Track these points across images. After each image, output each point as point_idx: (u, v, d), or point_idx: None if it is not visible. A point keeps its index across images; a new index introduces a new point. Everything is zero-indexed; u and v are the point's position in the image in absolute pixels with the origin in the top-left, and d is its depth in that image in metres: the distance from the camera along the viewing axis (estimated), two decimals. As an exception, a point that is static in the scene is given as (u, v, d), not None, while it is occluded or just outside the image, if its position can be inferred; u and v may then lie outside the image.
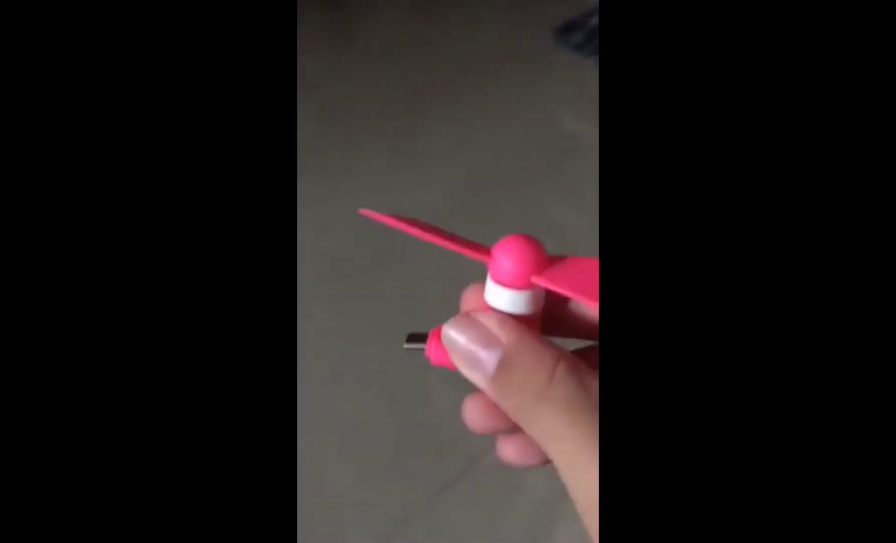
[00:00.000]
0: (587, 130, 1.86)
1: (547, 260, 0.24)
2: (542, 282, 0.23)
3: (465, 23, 2.47)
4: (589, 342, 0.27)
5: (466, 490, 0.99)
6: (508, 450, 0.25)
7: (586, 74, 2.10)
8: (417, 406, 1.11)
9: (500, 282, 0.24)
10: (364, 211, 0.23)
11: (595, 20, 2.38)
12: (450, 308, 1.10)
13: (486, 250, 0.24)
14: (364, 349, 1.22)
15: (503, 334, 0.22)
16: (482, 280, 0.27)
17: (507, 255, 0.24)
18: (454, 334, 0.24)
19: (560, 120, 1.93)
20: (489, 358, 0.22)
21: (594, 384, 0.21)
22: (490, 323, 0.23)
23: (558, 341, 0.26)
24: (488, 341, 0.22)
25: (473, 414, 0.24)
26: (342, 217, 1.56)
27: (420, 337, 0.25)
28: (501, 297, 0.23)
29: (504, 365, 0.22)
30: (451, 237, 0.24)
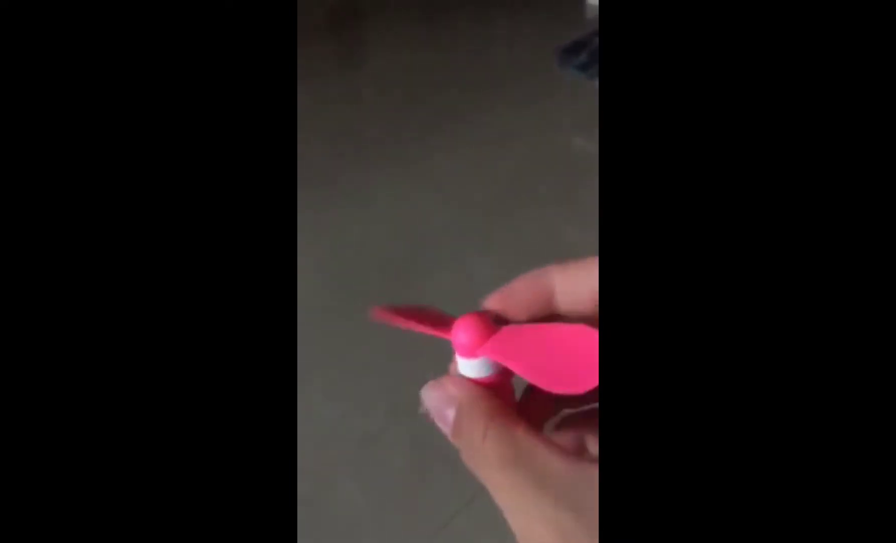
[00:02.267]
0: (593, 149, 1.87)
1: (494, 330, 0.28)
2: (487, 354, 0.27)
3: (471, 46, 2.50)
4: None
5: (485, 507, 0.99)
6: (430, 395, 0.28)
7: (591, 95, 2.12)
8: (431, 425, 1.11)
9: (458, 353, 0.28)
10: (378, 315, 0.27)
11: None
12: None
13: (448, 329, 0.28)
14: (376, 370, 1.22)
15: (458, 393, 0.27)
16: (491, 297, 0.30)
17: (457, 332, 0.28)
18: (425, 395, 0.29)
19: (567, 140, 1.95)
20: (450, 415, 0.27)
21: (523, 439, 0.24)
22: (450, 385, 0.27)
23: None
24: (449, 400, 0.27)
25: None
26: (354, 239, 1.57)
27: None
28: (460, 365, 0.28)
29: (455, 422, 0.27)
30: (422, 317, 0.27)
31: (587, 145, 1.91)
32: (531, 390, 0.29)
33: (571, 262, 0.28)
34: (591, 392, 0.26)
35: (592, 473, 0.21)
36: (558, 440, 0.24)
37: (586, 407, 0.28)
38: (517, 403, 0.29)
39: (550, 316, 0.28)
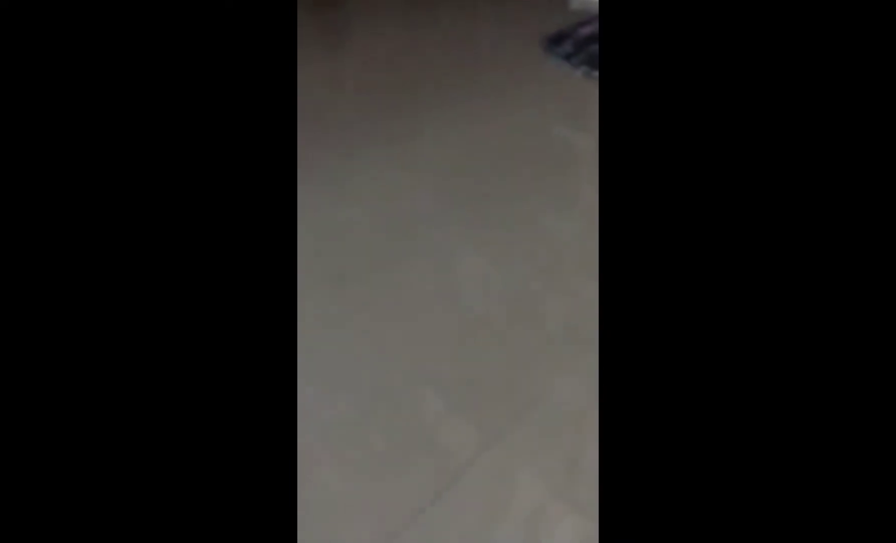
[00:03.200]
0: (576, 138, 1.88)
1: None
2: None
3: (456, 33, 2.49)
4: None
5: (463, 493, 1.00)
6: None
7: (573, 84, 2.13)
8: (410, 412, 1.12)
9: None
10: None
11: (584, 31, 2.41)
12: (442, 312, 1.10)
13: None
14: (357, 355, 1.22)
15: None
16: None
17: None
18: None
19: (550, 128, 1.95)
20: None
21: None
22: None
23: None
24: None
25: None
26: (338, 223, 1.56)
27: None
28: None
29: None
30: None
31: (568, 134, 1.92)
32: None
33: None
34: None
35: None
36: None
37: None
38: None
39: None
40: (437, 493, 1.00)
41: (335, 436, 1.09)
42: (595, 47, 2.29)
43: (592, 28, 2.42)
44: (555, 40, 2.37)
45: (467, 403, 1.13)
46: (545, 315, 1.32)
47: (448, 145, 1.85)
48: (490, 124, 1.95)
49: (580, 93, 2.09)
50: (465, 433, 1.09)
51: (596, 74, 2.19)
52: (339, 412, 1.13)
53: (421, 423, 1.10)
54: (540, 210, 1.61)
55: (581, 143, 1.86)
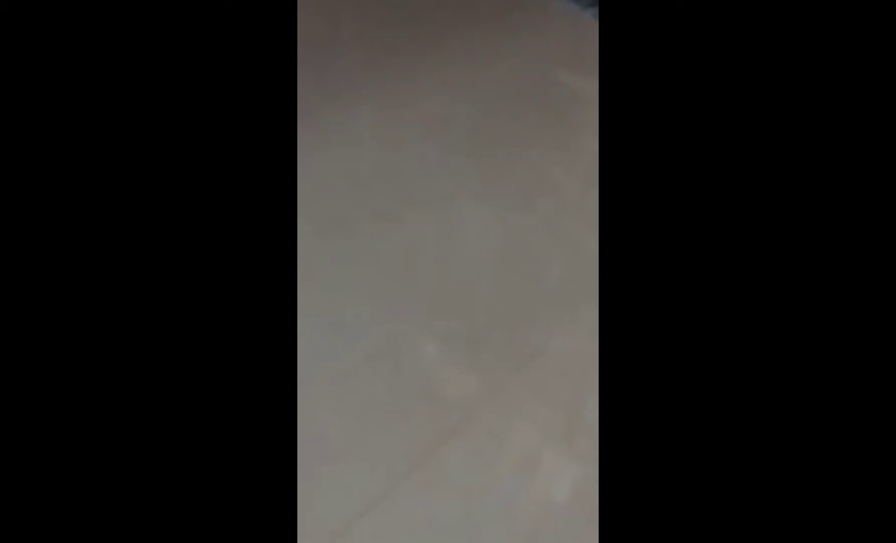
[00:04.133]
0: (581, 85, 1.84)
1: None
2: None
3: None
4: None
5: (461, 443, 1.01)
6: None
7: (583, 26, 2.07)
8: (410, 362, 1.13)
9: None
10: None
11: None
12: (443, 261, 1.10)
13: None
14: (357, 304, 1.23)
15: None
16: None
17: None
18: None
19: (556, 73, 1.91)
20: None
21: None
22: None
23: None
24: None
25: None
26: (337, 170, 1.55)
27: None
28: None
29: None
30: None
31: (573, 80, 1.88)
32: None
33: None
34: None
35: None
36: None
37: None
38: None
39: None
40: (437, 442, 1.02)
41: (335, 384, 1.11)
42: (603, -13, 2.22)
43: (601, -33, 2.34)
44: (563, -21, 2.30)
45: (467, 353, 1.14)
46: (546, 267, 1.32)
47: (449, 88, 1.82)
48: (493, 67, 1.90)
49: (587, 36, 2.03)
50: (464, 383, 1.10)
51: (604, 15, 2.13)
52: (339, 361, 1.14)
53: (421, 372, 1.11)
54: (542, 159, 1.59)
55: (586, 90, 1.83)
